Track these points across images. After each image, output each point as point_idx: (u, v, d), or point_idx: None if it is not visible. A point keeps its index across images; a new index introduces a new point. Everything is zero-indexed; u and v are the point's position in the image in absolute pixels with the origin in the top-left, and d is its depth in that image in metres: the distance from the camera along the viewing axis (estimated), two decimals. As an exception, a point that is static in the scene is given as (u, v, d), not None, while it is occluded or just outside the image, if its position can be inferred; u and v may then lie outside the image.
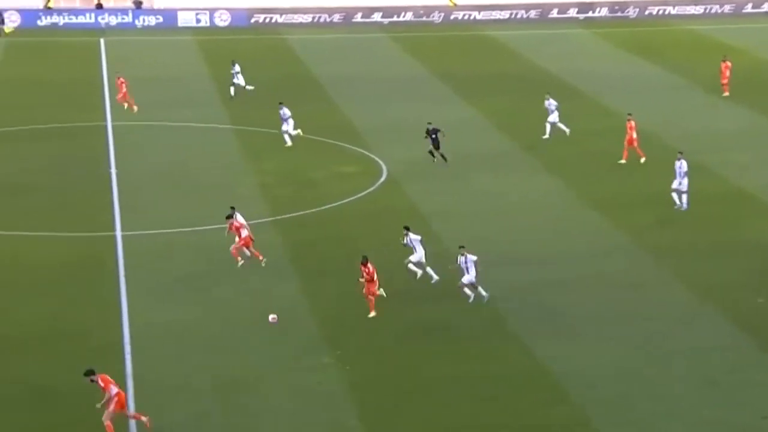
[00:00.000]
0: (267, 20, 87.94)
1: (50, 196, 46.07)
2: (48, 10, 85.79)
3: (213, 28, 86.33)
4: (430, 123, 50.25)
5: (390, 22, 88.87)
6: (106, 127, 56.90)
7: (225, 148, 53.19)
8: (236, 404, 29.24)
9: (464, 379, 30.64)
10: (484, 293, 35.13)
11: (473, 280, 34.95)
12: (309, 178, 48.91)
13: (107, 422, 26.97)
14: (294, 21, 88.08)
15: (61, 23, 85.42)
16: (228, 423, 28.38)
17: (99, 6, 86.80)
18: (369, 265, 34.02)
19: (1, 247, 40.15)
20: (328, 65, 72.68)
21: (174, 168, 50.13)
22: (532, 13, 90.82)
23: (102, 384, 27.23)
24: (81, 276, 37.43)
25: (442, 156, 49.73)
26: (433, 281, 36.36)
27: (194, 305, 35.22)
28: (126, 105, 58.84)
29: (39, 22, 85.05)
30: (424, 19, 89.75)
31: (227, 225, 38.31)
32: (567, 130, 54.16)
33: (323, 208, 44.79)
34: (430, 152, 49.70)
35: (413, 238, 36.77)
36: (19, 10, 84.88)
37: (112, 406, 27.11)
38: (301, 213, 44.16)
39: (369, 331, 33.50)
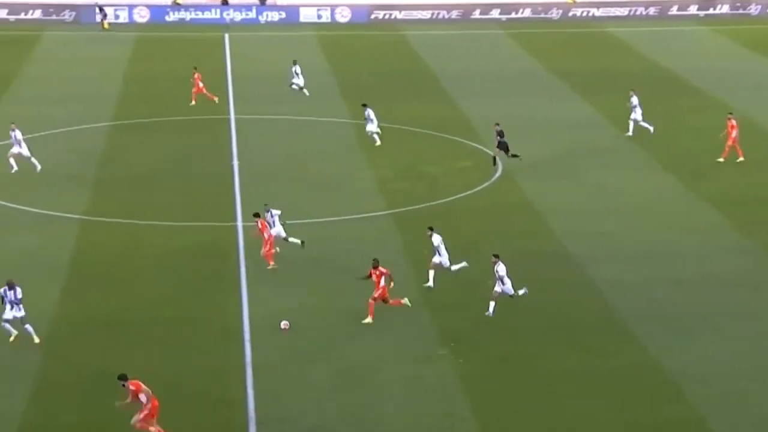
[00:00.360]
0: (386, 16, 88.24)
1: (175, 187, 46.90)
2: (176, 6, 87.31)
3: (333, 24, 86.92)
4: (497, 124, 49.22)
5: (508, 19, 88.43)
6: (229, 120, 57.73)
7: (344, 141, 53.51)
8: (352, 393, 29.45)
9: (577, 375, 30.40)
10: (491, 309, 33.56)
11: (503, 289, 33.52)
12: (425, 172, 48.96)
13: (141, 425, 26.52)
14: (413, 17, 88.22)
15: (188, 19, 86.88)
16: (344, 411, 28.60)
17: (225, 2, 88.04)
18: (380, 268, 33.19)
19: (128, 235, 40.98)
20: (446, 61, 72.62)
21: (293, 160, 50.64)
22: (651, 10, 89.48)
23: (133, 388, 26.54)
24: (203, 264, 38.02)
25: (494, 158, 48.17)
26: (427, 284, 35.58)
27: (312, 295, 35.53)
28: (194, 101, 59.32)
29: (167, 18, 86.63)
30: (543, 15, 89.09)
31: (256, 223, 37.60)
32: (632, 129, 53.58)
33: (438, 202, 44.81)
34: (513, 154, 48.12)
35: (437, 240, 35.82)
36: (149, 6, 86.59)
37: (142, 414, 26.46)
38: (417, 207, 44.23)
39: (483, 324, 33.42)
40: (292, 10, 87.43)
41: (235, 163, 49.99)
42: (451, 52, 76.34)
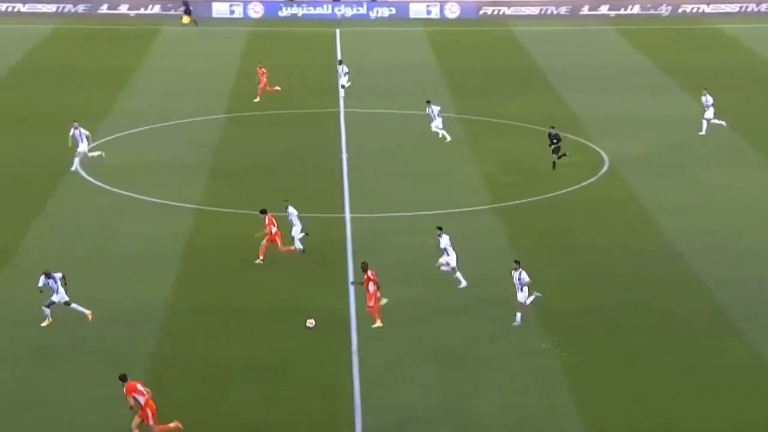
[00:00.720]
0: (495, 12, 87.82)
1: (286, 178, 47.31)
2: (289, 2, 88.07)
3: (442, 20, 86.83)
4: (552, 127, 48.17)
5: (617, 15, 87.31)
6: (338, 113, 58.04)
7: (450, 135, 53.36)
8: (456, 384, 29.41)
9: (683, 371, 29.93)
10: (536, 294, 32.45)
11: (524, 300, 32.41)
12: (530, 167, 48.59)
13: (135, 430, 26.05)
14: (521, 13, 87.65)
15: (300, 14, 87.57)
16: (447, 402, 28.57)
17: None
18: (369, 271, 32.38)
19: (241, 225, 41.41)
20: (554, 57, 71.99)
21: (401, 154, 50.68)
22: (763, 7, 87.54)
23: (125, 391, 26.10)
24: (312, 254, 38.26)
25: (554, 163, 46.73)
26: (460, 286, 34.90)
27: (417, 285, 35.54)
28: (258, 98, 59.44)
29: (280, 13, 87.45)
30: (652, 12, 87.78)
31: (263, 219, 37.33)
32: (724, 123, 52.31)
33: (544, 197, 44.46)
34: (562, 154, 46.77)
35: (445, 240, 35.09)
36: (263, 2, 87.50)
37: (137, 417, 26.04)
38: (522, 201, 43.96)
39: (587, 318, 33.11)
40: (402, 6, 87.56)
41: (344, 155, 50.25)
42: (559, 48, 75.68)
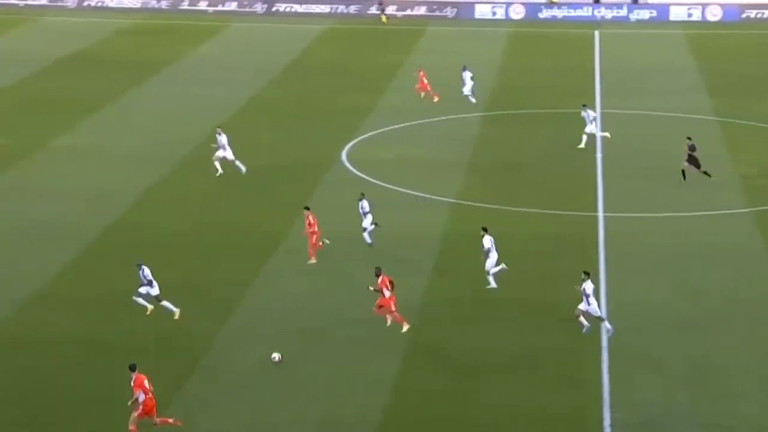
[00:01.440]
0: (759, 15, 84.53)
1: (541, 176, 47.16)
2: (550, 5, 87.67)
3: (703, 23, 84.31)
4: (689, 138, 45.18)
5: None
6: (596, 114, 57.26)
7: (708, 138, 51.83)
8: (704, 383, 28.67)
9: None
10: (608, 326, 31.15)
11: (588, 309, 30.89)
12: (791, 171, 46.71)
13: (132, 426, 25.46)
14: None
15: (560, 16, 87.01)
16: (695, 399, 27.89)
17: (597, 1, 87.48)
18: (381, 276, 31.25)
19: (495, 219, 41.51)
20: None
21: (657, 155, 49.63)
22: None
23: (132, 384, 25.61)
24: (565, 251, 38.03)
25: (705, 173, 44.01)
26: (489, 287, 33.90)
27: (667, 286, 34.81)
28: (423, 94, 58.92)
29: (540, 15, 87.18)
30: None
31: (307, 217, 36.72)
32: None
33: (804, 202, 42.64)
34: (704, 171, 44.06)
35: (489, 241, 33.80)
36: (524, 4, 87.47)
37: (137, 412, 25.49)
38: (781, 206, 42.31)
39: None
40: (663, 9, 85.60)
41: (599, 155, 49.64)
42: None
